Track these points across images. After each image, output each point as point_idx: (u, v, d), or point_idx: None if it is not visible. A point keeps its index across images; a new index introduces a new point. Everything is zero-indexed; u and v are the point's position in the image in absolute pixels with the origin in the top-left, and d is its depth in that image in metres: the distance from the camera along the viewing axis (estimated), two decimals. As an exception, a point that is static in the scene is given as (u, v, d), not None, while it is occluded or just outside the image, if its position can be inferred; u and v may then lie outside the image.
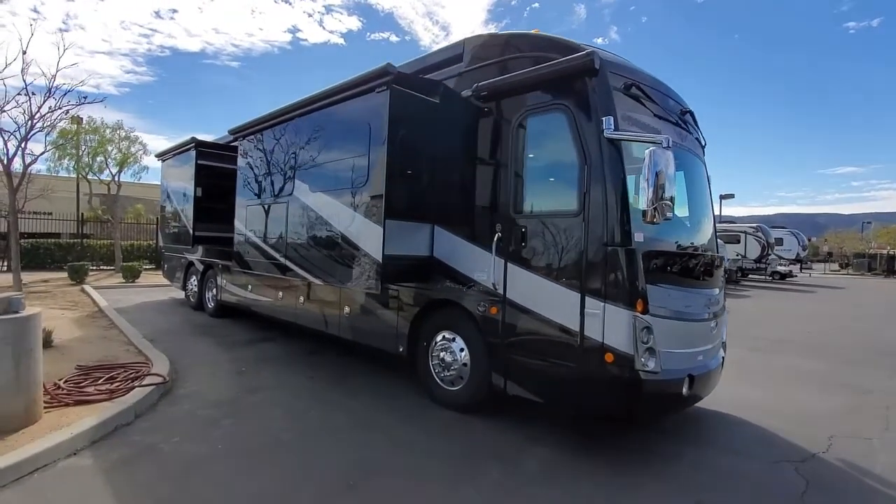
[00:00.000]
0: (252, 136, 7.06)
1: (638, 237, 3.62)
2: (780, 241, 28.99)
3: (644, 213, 3.41)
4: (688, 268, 4.18)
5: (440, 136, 4.82)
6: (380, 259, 4.51)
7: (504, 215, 4.30)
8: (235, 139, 7.63)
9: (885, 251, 47.87)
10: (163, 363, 5.64)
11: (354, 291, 5.65)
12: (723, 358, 4.62)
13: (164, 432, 3.95)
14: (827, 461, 3.99)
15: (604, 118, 3.65)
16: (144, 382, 4.85)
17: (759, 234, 26.39)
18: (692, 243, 4.35)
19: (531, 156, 4.27)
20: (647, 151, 3.38)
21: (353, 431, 4.15)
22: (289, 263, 6.19)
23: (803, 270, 34.81)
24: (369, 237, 4.70)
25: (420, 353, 5.01)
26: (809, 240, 43.64)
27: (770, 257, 26.95)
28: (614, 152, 3.65)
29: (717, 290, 4.51)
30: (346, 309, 5.88)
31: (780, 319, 12.53)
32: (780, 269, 29.18)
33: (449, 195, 4.81)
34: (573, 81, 3.87)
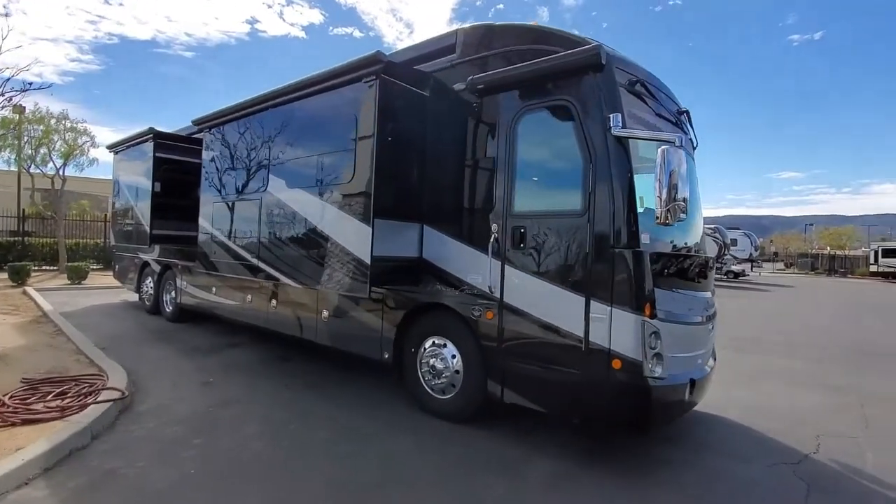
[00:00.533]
0: (220, 128, 6.57)
1: (644, 238, 3.49)
2: (734, 242, 30.24)
3: (658, 214, 3.27)
4: (688, 270, 4.10)
5: (431, 131, 4.57)
6: (368, 261, 4.22)
7: (500, 215, 4.08)
8: (200, 131, 7.10)
9: (825, 251, 50.92)
10: (119, 375, 5.13)
11: (334, 294, 5.32)
12: (715, 361, 4.58)
13: (126, 456, 3.53)
14: (820, 462, 3.99)
15: (611, 115, 3.49)
16: (100, 398, 4.36)
17: (717, 234, 27.29)
18: (689, 245, 4.27)
19: (530, 153, 4.07)
20: (659, 150, 3.25)
21: (340, 445, 3.85)
22: (261, 264, 5.78)
23: (754, 269, 36.54)
24: (355, 237, 4.39)
25: (407, 359, 4.74)
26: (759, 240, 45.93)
27: (726, 257, 28.05)
28: (621, 150, 3.50)
29: (711, 293, 4.46)
30: (324, 313, 5.53)
31: (747, 319, 12.92)
32: (735, 268, 30.49)
33: (440, 193, 4.57)
34: (577, 76, 3.70)
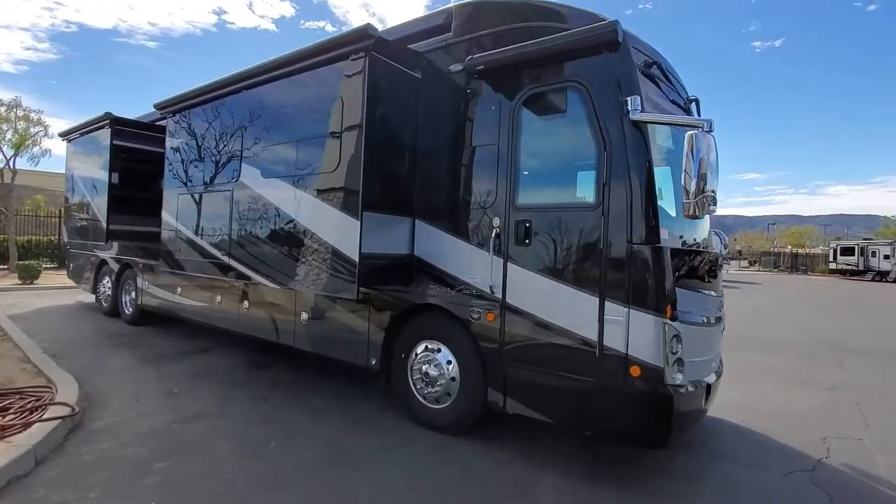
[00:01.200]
0: (186, 113, 6.00)
1: (663, 233, 3.20)
2: (705, 240, 30.85)
3: (685, 206, 2.98)
4: (702, 267, 3.85)
5: (424, 116, 4.20)
6: (355, 258, 3.81)
7: (502, 208, 3.74)
8: (163, 116, 6.50)
9: (786, 250, 52.87)
10: (70, 387, 4.57)
11: (314, 295, 4.88)
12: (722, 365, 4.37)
13: (76, 484, 3.03)
14: (833, 468, 3.83)
15: (628, 98, 3.18)
16: (47, 415, 3.83)
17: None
18: (698, 240, 4.02)
19: (536, 140, 3.74)
20: (687, 136, 2.96)
21: (327, 467, 3.42)
22: (232, 262, 5.27)
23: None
24: (341, 232, 3.97)
25: (397, 365, 4.35)
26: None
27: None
28: (639, 137, 3.20)
29: (721, 291, 4.24)
30: (304, 315, 5.07)
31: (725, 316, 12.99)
32: (705, 266, 31.07)
33: (434, 185, 4.19)
34: (591, 56, 3.37)
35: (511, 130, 3.73)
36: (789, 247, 55.16)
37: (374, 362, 4.47)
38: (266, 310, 5.56)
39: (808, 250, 52.65)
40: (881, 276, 36.30)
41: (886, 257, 36.38)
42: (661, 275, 3.14)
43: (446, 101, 4.14)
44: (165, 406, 4.47)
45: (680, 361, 3.15)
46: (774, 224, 67.55)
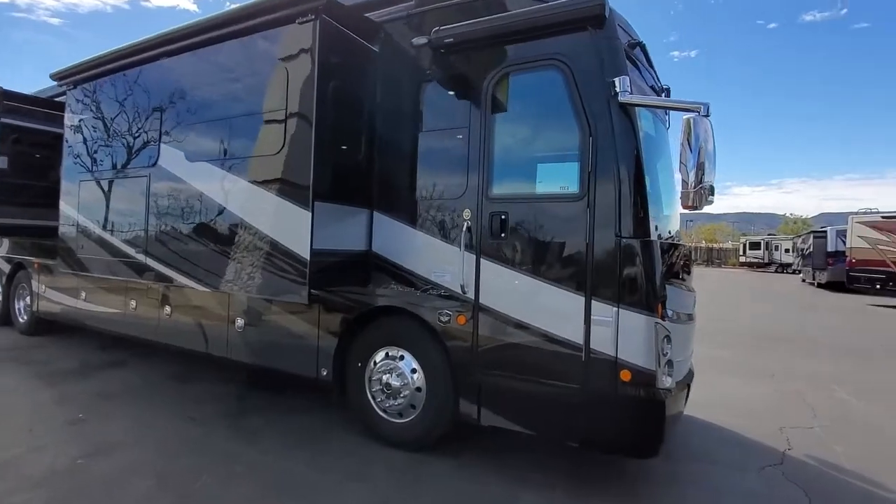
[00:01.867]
0: (91, 84, 5.07)
1: (652, 226, 2.98)
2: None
3: (683, 196, 2.76)
4: (682, 262, 3.70)
5: (382, 95, 3.73)
6: (305, 256, 3.28)
7: (475, 199, 3.36)
8: (63, 89, 5.51)
9: (702, 244, 57.25)
10: (-61, 417, 3.67)
11: (251, 297, 4.26)
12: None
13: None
14: (799, 460, 3.84)
15: (617, 79, 2.91)
16: None
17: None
18: (672, 233, 3.87)
19: (513, 125, 3.39)
20: (684, 119, 2.74)
21: None
22: (150, 262, 4.52)
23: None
24: (288, 225, 3.42)
25: (352, 376, 3.86)
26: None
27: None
28: (627, 121, 2.94)
29: (693, 287, 4.13)
30: (238, 321, 4.43)
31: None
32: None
33: (395, 172, 3.73)
34: (573, 31, 3.06)
35: (483, 113, 3.35)
36: (703, 242, 59.69)
37: (324, 373, 3.95)
38: (192, 316, 4.83)
39: (720, 245, 57.32)
40: (783, 267, 40.16)
41: (787, 251, 40.26)
42: (652, 271, 2.91)
43: (408, 78, 3.70)
44: (67, 436, 3.69)
45: (670, 363, 2.95)
46: (692, 221, 72.84)
